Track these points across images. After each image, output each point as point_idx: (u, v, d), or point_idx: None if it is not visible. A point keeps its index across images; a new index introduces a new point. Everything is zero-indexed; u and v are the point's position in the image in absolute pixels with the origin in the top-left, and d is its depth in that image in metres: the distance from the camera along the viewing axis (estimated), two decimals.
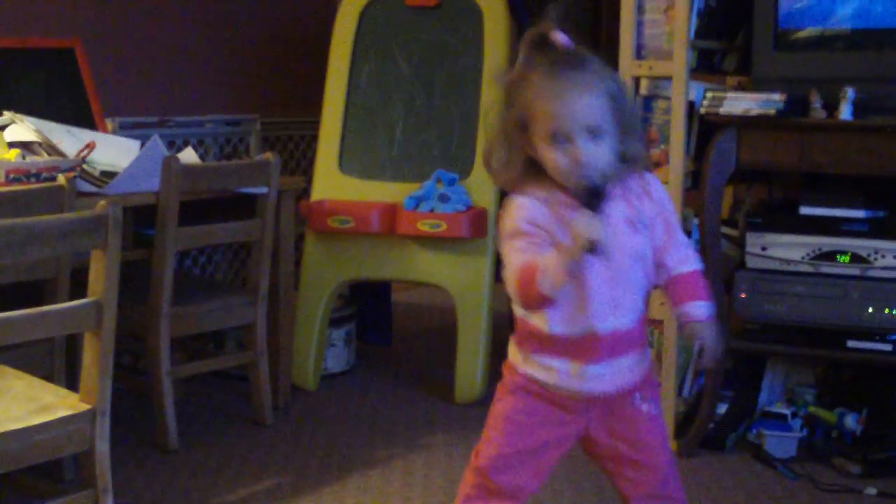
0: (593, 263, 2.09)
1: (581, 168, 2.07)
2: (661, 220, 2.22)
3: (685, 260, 2.24)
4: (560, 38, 2.16)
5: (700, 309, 2.22)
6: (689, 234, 3.64)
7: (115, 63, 4.50)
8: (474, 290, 4.10)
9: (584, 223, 2.01)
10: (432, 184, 4.10)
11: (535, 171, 2.16)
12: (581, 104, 2.07)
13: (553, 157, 2.09)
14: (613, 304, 2.18)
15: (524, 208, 2.15)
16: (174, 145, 4.50)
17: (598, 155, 2.08)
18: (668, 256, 2.23)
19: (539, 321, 2.21)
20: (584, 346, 2.20)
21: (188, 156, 3.85)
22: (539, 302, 2.12)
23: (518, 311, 2.26)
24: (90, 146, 3.65)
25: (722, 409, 3.70)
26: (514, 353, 2.32)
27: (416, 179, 4.19)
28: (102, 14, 4.47)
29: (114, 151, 3.71)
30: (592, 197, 2.04)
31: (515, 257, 2.13)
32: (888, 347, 3.40)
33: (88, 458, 2.61)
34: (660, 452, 2.31)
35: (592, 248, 2.00)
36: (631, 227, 2.17)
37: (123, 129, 4.26)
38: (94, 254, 2.52)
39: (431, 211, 4.05)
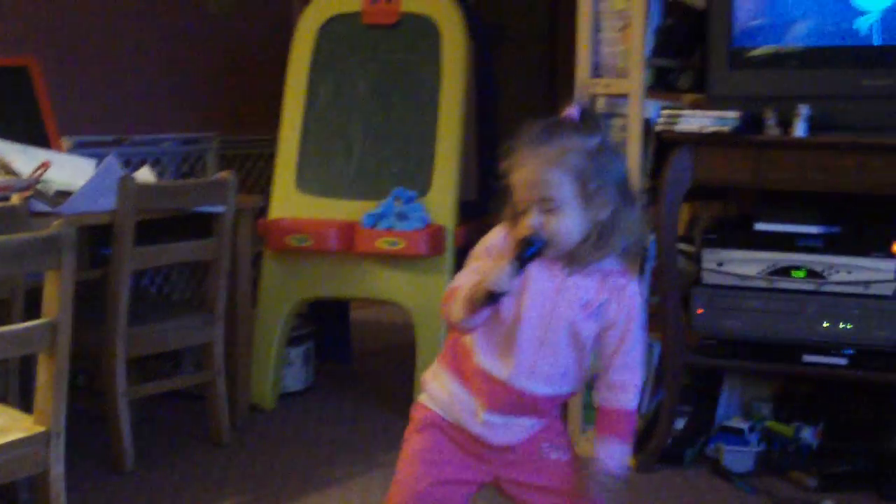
0: (527, 324, 2.16)
1: (522, 239, 2.11)
2: (619, 329, 2.19)
3: (622, 386, 2.21)
4: (568, 111, 2.18)
5: (614, 459, 2.20)
6: (645, 250, 3.65)
7: (70, 81, 4.47)
8: (433, 307, 4.10)
9: (498, 270, 2.08)
10: (390, 202, 4.10)
11: None
12: (534, 178, 2.12)
13: (518, 226, 2.14)
14: (531, 369, 2.19)
15: (492, 237, 2.23)
16: (130, 164, 4.47)
17: (550, 227, 2.11)
18: (612, 370, 2.21)
19: (473, 346, 2.24)
20: (493, 390, 2.21)
21: (144, 175, 3.83)
22: (451, 323, 2.20)
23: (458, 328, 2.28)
24: (45, 165, 3.62)
25: (680, 424, 3.72)
26: (429, 378, 2.34)
27: (374, 197, 4.18)
28: (57, 32, 4.45)
29: (69, 171, 3.69)
30: (524, 249, 2.09)
31: (458, 274, 2.22)
32: (843, 361, 3.43)
33: (43, 480, 2.58)
34: (571, 497, 2.29)
35: (491, 296, 2.07)
36: (584, 311, 2.17)
37: (79, 148, 4.22)
38: (48, 274, 2.50)
39: (390, 229, 4.05)
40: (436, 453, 2.28)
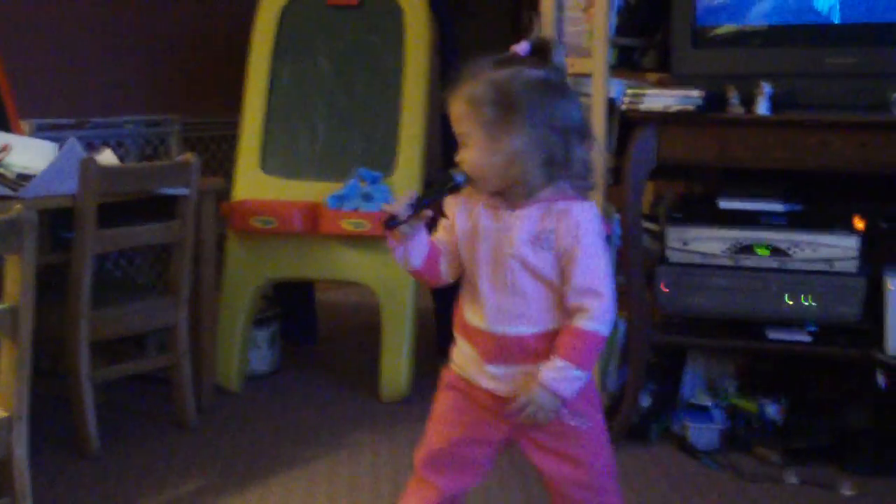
0: (482, 268, 2.20)
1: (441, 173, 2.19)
2: (567, 252, 2.15)
3: (578, 309, 2.15)
4: (517, 47, 2.20)
5: (551, 371, 2.15)
6: (610, 230, 3.66)
7: (31, 63, 4.42)
8: (398, 288, 4.10)
9: (400, 199, 2.15)
10: (355, 182, 4.09)
11: None
12: (453, 112, 2.16)
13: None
14: (500, 311, 2.20)
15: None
16: (92, 147, 4.43)
17: (465, 162, 2.15)
18: (567, 297, 2.16)
19: (461, 302, 2.30)
20: (480, 341, 2.24)
21: (106, 157, 3.80)
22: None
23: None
24: (5, 148, 3.58)
25: (645, 401, 3.73)
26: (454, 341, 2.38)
27: (338, 178, 4.17)
28: (18, 14, 4.39)
29: (30, 154, 3.65)
30: (437, 182, 2.17)
31: None
32: (806, 338, 3.46)
33: (6, 465, 2.56)
34: (590, 467, 2.30)
35: (386, 222, 2.15)
36: (532, 244, 2.16)
37: (40, 131, 4.18)
38: (9, 259, 2.47)
39: (355, 210, 4.03)
40: (457, 413, 2.32)
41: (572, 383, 2.15)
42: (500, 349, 2.22)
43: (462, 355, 2.31)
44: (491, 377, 2.24)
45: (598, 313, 2.15)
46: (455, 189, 2.18)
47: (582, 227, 2.15)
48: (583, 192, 2.21)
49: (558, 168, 2.15)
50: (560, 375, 2.15)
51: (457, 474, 2.35)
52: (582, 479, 2.30)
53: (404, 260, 2.25)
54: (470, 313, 2.26)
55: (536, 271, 2.17)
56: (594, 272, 2.15)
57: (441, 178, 2.17)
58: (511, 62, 2.16)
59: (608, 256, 2.20)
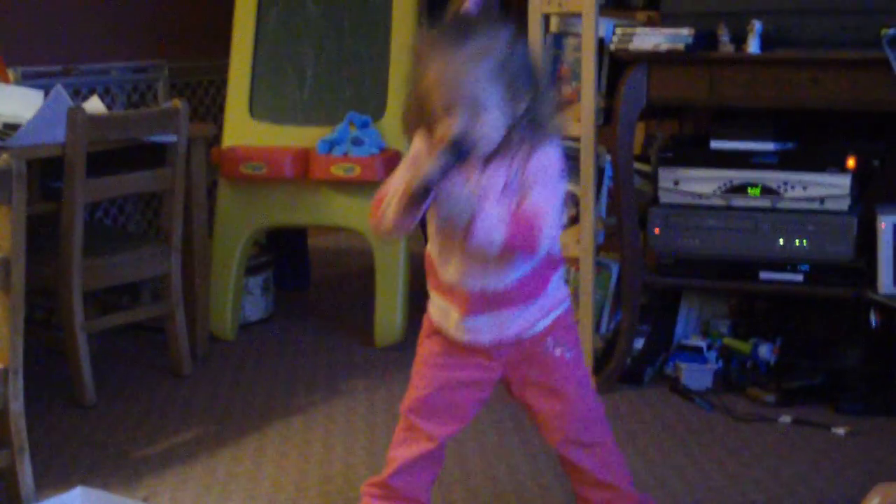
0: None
1: (451, 139, 2.10)
2: (524, 188, 2.17)
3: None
4: (468, 7, 2.19)
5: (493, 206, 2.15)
6: (602, 170, 3.65)
7: (15, 10, 4.37)
8: None
9: (428, 161, 2.08)
10: (345, 127, 4.06)
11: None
12: (457, 78, 2.10)
13: (440, 128, 2.14)
14: (480, 266, 2.21)
15: (416, 146, 2.23)
16: (79, 94, 4.40)
17: (478, 127, 2.11)
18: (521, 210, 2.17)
19: (434, 260, 2.30)
20: (456, 298, 2.26)
21: (94, 105, 3.77)
22: (381, 227, 2.18)
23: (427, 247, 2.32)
24: None
25: (639, 343, 3.75)
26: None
27: (328, 123, 4.14)
28: None
29: (16, 103, 3.62)
30: (453, 149, 2.08)
31: (385, 183, 2.24)
32: (799, 278, 3.46)
33: (2, 417, 2.57)
34: (575, 398, 2.34)
35: (423, 186, 2.05)
36: (504, 192, 2.17)
37: (26, 79, 4.14)
38: None
39: (345, 155, 4.01)
40: (442, 357, 2.34)
41: (486, 227, 2.11)
42: (480, 302, 2.25)
43: (439, 311, 2.33)
44: (468, 331, 2.28)
45: (538, 230, 2.14)
46: (464, 158, 2.13)
47: (542, 164, 2.17)
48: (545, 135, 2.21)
49: (540, 124, 2.17)
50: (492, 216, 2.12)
51: (446, 419, 2.36)
52: (566, 412, 2.34)
53: (403, 227, 2.19)
54: (444, 272, 2.27)
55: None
56: (546, 201, 2.16)
57: (455, 145, 2.09)
58: (476, 25, 2.13)
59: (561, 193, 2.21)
